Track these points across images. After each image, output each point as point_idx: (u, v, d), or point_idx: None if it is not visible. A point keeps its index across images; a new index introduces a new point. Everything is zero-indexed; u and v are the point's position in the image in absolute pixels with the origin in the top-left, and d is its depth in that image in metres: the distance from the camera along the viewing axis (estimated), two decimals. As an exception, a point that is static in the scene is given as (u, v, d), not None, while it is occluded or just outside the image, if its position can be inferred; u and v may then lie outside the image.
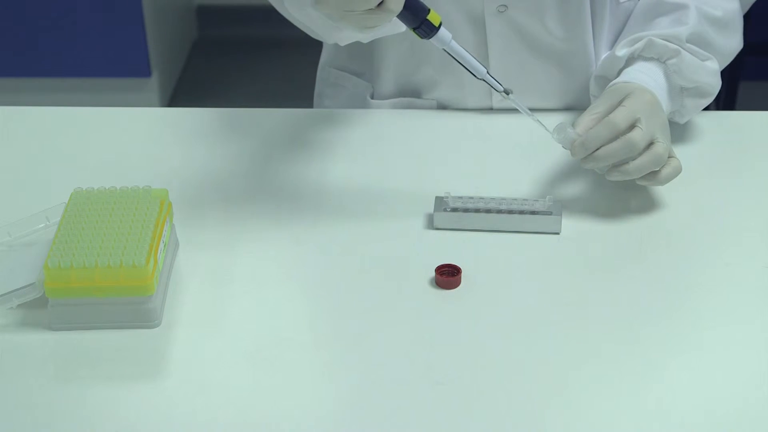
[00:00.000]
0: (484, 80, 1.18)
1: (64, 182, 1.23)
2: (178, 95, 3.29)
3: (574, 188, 1.27)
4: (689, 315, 1.11)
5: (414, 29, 1.12)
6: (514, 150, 1.36)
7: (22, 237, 1.17)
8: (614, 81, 1.29)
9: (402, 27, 1.18)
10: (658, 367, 1.03)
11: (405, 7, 1.08)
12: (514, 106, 1.21)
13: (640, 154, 1.19)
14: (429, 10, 1.12)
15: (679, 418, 0.98)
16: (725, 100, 2.60)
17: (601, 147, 1.19)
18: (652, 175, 1.21)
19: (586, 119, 1.22)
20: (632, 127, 1.20)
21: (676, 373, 1.03)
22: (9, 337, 1.07)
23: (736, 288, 1.13)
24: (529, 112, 1.20)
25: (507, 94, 1.19)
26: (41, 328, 1.07)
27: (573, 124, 1.21)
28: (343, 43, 1.30)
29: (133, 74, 3.07)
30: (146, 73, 3.06)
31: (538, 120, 1.20)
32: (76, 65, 3.04)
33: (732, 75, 2.47)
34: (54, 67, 3.04)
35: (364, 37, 1.23)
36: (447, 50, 1.16)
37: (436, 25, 1.13)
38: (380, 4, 1.06)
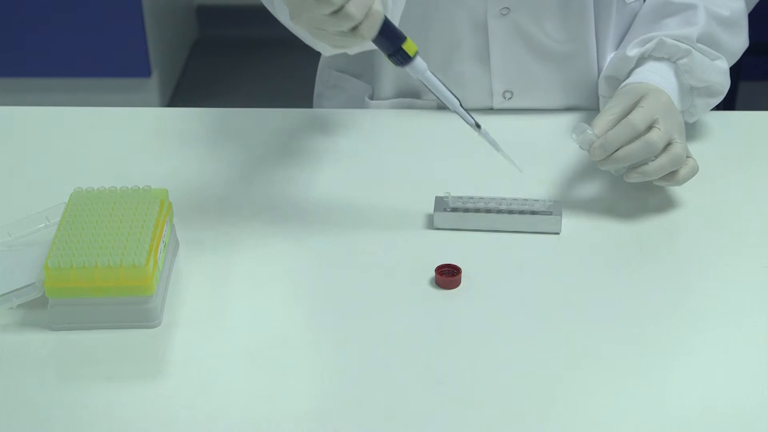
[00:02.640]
0: (456, 112, 1.16)
1: (64, 182, 1.23)
2: (178, 95, 3.29)
3: (573, 188, 1.27)
4: (689, 315, 1.11)
5: (388, 56, 1.12)
6: (515, 150, 1.35)
7: (22, 237, 1.17)
8: (626, 81, 1.29)
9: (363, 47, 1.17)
10: (658, 367, 1.03)
11: (380, 33, 1.07)
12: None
13: (658, 154, 1.19)
14: (405, 38, 1.10)
15: (679, 417, 0.98)
16: (725, 100, 2.60)
17: (620, 148, 1.19)
18: (671, 175, 1.21)
19: (603, 120, 1.21)
20: (650, 128, 1.20)
21: (676, 372, 1.03)
22: (9, 337, 1.07)
23: (736, 288, 1.13)
24: (499, 146, 1.19)
25: (478, 128, 1.18)
26: (41, 328, 1.07)
27: (591, 125, 1.21)
28: (327, 54, 1.29)
29: (133, 74, 3.07)
30: (146, 73, 3.06)
31: (508, 156, 1.19)
32: (76, 65, 3.04)
33: (732, 75, 2.46)
34: (54, 67, 3.04)
35: (346, 51, 1.22)
36: (421, 80, 1.14)
37: (411, 55, 1.11)
38: (354, 28, 1.05)
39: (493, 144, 1.18)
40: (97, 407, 0.99)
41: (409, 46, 1.11)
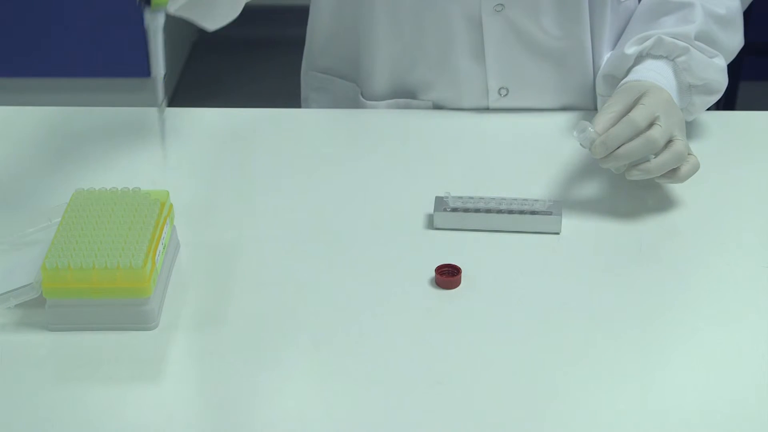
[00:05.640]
0: (154, 79, 1.18)
1: (63, 182, 1.23)
2: (178, 95, 3.29)
3: (574, 187, 1.27)
4: (689, 315, 1.11)
5: None
6: (514, 150, 1.36)
7: (23, 236, 1.17)
8: (626, 79, 1.29)
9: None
10: (657, 367, 1.03)
11: None
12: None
13: (660, 152, 1.19)
14: None
15: (679, 417, 0.98)
16: (725, 100, 2.60)
17: (621, 146, 1.19)
18: (672, 172, 1.21)
19: (604, 118, 1.21)
20: (651, 125, 1.20)
21: (676, 372, 1.03)
22: (7, 337, 1.06)
23: (736, 288, 1.13)
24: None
25: (161, 110, 1.20)
26: (39, 329, 1.07)
27: (592, 123, 1.21)
28: (210, 28, 1.32)
29: (133, 74, 3.06)
30: (146, 73, 3.05)
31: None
32: (76, 65, 3.04)
33: (732, 75, 2.47)
34: (54, 67, 3.04)
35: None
36: (149, 30, 1.16)
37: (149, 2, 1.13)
38: None
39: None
40: (95, 407, 0.99)
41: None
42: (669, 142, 1.20)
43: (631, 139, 1.19)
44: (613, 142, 1.18)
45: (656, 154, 1.19)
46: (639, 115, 1.19)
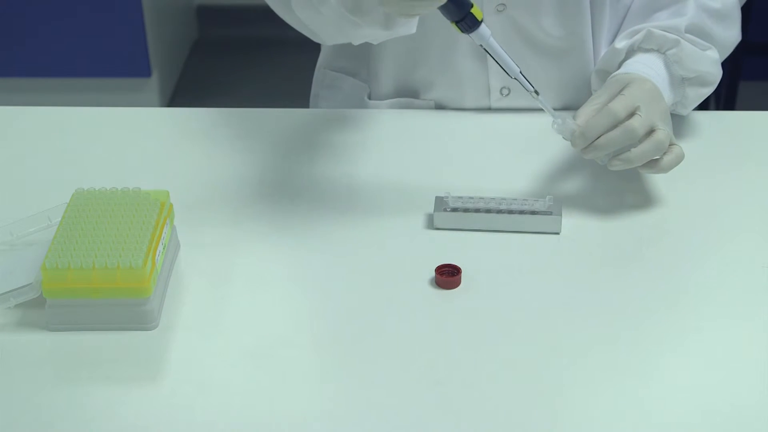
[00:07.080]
0: (516, 79, 1.19)
1: (63, 182, 1.23)
2: (178, 95, 3.29)
3: (574, 187, 1.27)
4: (688, 314, 1.11)
5: (456, 22, 1.13)
6: (514, 150, 1.36)
7: (23, 236, 1.17)
8: (614, 73, 1.29)
9: (413, 28, 1.19)
10: (657, 367, 1.03)
11: None
12: (539, 106, 1.21)
13: (640, 141, 1.19)
14: (472, 4, 1.13)
15: (678, 417, 0.98)
16: (725, 100, 2.60)
17: (601, 136, 1.19)
18: (654, 162, 1.21)
19: (587, 110, 1.21)
20: (631, 115, 1.20)
21: (676, 372, 1.03)
22: (7, 336, 1.06)
23: (736, 288, 1.13)
24: (554, 113, 1.21)
25: (537, 94, 1.20)
26: (39, 328, 1.07)
27: (574, 116, 1.21)
28: (327, 43, 1.29)
29: (133, 74, 3.06)
30: (146, 73, 3.06)
31: (565, 123, 1.21)
32: (76, 65, 3.04)
33: (732, 75, 2.47)
34: (54, 67, 3.04)
35: (382, 36, 1.23)
36: (485, 47, 1.16)
37: (479, 20, 1.14)
38: None
39: (549, 111, 1.21)
40: (95, 408, 0.99)
41: (476, 12, 1.13)
42: (651, 131, 1.20)
43: (610, 130, 1.19)
44: (592, 132, 1.19)
45: (638, 143, 1.19)
46: (618, 105, 1.20)
